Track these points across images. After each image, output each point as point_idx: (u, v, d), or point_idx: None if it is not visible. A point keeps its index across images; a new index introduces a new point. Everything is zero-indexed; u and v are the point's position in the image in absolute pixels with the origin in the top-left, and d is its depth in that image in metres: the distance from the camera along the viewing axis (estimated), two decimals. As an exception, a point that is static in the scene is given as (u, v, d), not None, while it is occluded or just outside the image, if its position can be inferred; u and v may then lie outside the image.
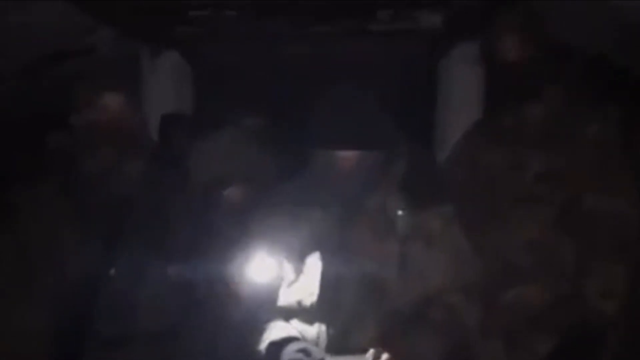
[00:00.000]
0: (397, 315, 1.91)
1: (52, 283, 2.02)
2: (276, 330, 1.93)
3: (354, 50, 3.19)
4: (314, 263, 1.95)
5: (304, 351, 1.83)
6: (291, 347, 1.85)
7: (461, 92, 3.13)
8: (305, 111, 1.98)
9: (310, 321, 1.94)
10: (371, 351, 1.82)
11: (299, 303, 1.93)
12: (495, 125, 2.19)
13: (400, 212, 1.97)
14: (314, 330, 1.92)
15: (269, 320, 1.97)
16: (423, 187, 2.12)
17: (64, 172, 2.13)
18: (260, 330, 1.95)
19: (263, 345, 1.91)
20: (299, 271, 1.97)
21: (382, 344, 1.86)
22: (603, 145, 2.09)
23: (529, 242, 2.13)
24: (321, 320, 1.91)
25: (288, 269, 1.98)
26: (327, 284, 1.92)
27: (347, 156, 1.92)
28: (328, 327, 1.89)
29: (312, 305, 1.91)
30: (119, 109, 2.16)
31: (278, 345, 1.87)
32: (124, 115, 2.15)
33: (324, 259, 1.94)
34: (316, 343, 1.92)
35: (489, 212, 2.18)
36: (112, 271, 2.06)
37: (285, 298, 1.97)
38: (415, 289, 1.95)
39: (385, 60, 3.21)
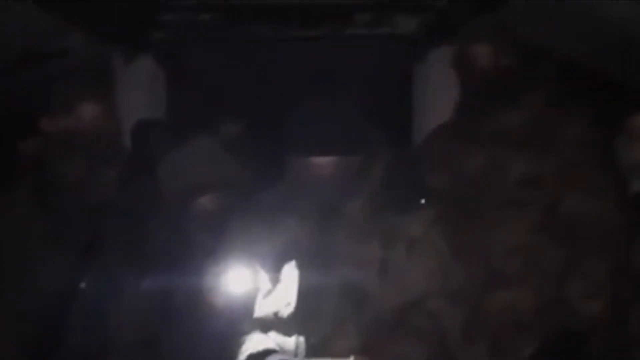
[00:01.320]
0: (379, 322, 1.88)
1: (22, 293, 1.94)
2: (254, 343, 1.88)
3: (332, 55, 3.15)
4: (291, 272, 1.90)
5: None
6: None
7: (438, 95, 3.12)
8: (282, 117, 1.94)
9: (288, 332, 1.89)
10: (352, 358, 1.79)
11: (276, 314, 1.88)
12: (474, 129, 2.16)
13: (379, 217, 1.96)
14: (292, 342, 1.88)
15: (246, 332, 1.92)
16: (403, 191, 2.09)
17: (36, 179, 2.06)
18: (237, 343, 1.91)
19: (241, 359, 1.87)
20: (275, 281, 1.92)
21: (364, 352, 1.83)
22: (583, 147, 2.07)
23: (512, 245, 2.08)
24: (300, 330, 1.86)
25: (264, 278, 1.93)
26: (305, 293, 1.87)
27: (324, 162, 1.88)
28: (307, 337, 1.85)
29: (289, 316, 1.87)
30: (94, 116, 2.08)
31: (257, 358, 1.83)
32: (99, 123, 2.07)
33: (301, 267, 1.89)
34: (295, 354, 1.88)
35: (471, 215, 2.13)
36: (84, 283, 1.99)
37: (262, 309, 1.92)
38: (397, 295, 1.91)
39: (363, 64, 3.18)
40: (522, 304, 2.03)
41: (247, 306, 1.95)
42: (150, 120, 3.02)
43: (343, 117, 1.93)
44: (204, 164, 2.14)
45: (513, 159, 2.09)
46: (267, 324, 1.91)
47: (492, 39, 2.22)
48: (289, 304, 1.89)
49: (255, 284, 1.96)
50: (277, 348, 1.86)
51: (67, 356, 1.94)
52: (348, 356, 1.79)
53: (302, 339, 1.86)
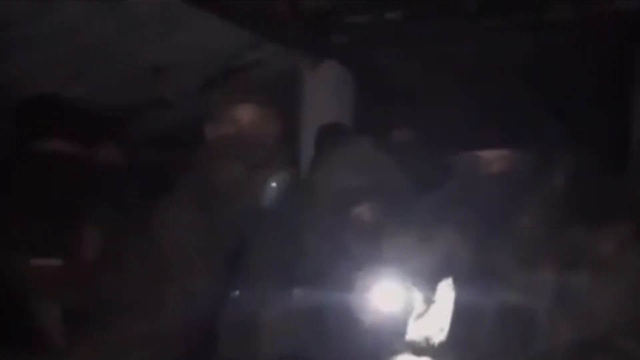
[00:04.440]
0: (548, 356, 1.57)
1: (182, 303, 1.97)
2: None
3: (526, 46, 2.80)
4: (447, 293, 1.67)
5: None
6: None
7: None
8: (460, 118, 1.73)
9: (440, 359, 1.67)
10: None
11: (427, 340, 1.66)
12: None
13: (558, 232, 1.63)
14: None
15: (396, 353, 1.73)
16: (593, 200, 1.73)
17: (196, 185, 2.09)
18: None
19: None
20: (429, 301, 1.71)
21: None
22: None
23: None
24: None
25: (418, 298, 1.73)
26: (462, 317, 1.62)
27: (492, 158, 1.61)
28: (461, 369, 1.60)
29: (441, 344, 1.63)
30: (252, 122, 2.07)
31: None
32: (257, 129, 2.05)
33: (459, 287, 1.65)
34: None
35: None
36: (237, 291, 1.96)
37: (414, 332, 1.71)
38: (576, 328, 1.57)
39: (562, 52, 2.76)
40: None
41: (399, 327, 1.76)
42: (334, 125, 2.95)
43: (522, 109, 1.65)
44: (362, 168, 1.99)
45: None
46: (419, 350, 1.70)
47: None
48: (442, 329, 1.65)
49: (409, 303, 1.77)
50: None
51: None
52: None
53: (455, 369, 1.62)
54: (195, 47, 3.29)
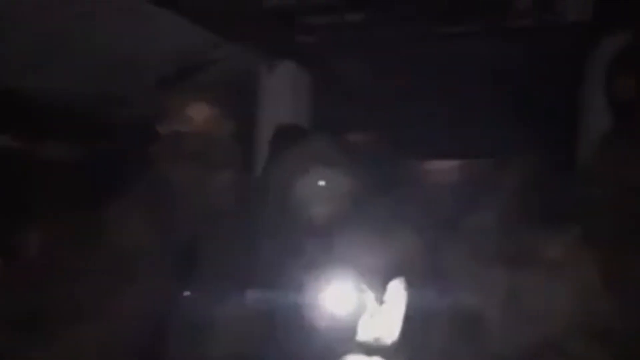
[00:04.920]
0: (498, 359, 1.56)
1: (127, 300, 1.92)
2: None
3: (484, 50, 2.82)
4: (398, 293, 1.66)
5: None
6: None
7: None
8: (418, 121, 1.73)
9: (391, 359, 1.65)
10: None
11: (378, 341, 1.64)
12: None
13: (510, 234, 1.63)
14: None
15: (346, 353, 1.71)
16: (543, 203, 1.74)
17: (148, 186, 2.04)
18: None
19: None
20: (381, 302, 1.69)
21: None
22: None
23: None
24: (403, 361, 1.61)
25: (370, 298, 1.71)
26: (413, 318, 1.61)
27: (446, 167, 1.62)
28: (411, 371, 1.59)
29: (392, 344, 1.62)
30: (206, 121, 2.03)
31: None
32: (211, 128, 2.01)
33: (411, 287, 1.64)
34: None
35: (635, 236, 1.73)
36: (188, 293, 1.91)
37: (364, 333, 1.69)
38: (527, 330, 1.57)
39: (517, 59, 2.80)
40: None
41: (350, 327, 1.74)
42: (290, 126, 2.92)
43: (477, 117, 1.66)
44: (317, 169, 1.96)
45: None
46: (369, 350, 1.68)
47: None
48: (393, 330, 1.64)
49: (361, 303, 1.74)
50: None
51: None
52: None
53: (405, 370, 1.61)
54: (153, 44, 3.24)
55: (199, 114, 2.05)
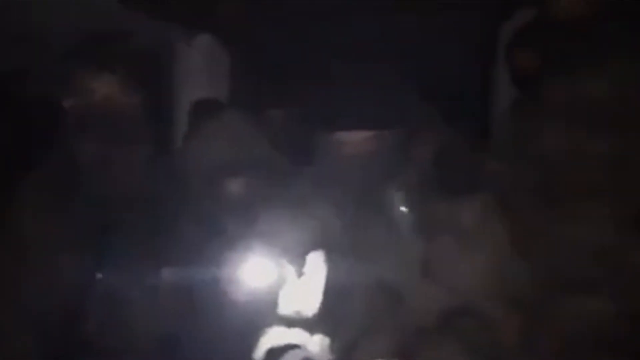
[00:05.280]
0: (418, 326, 1.60)
1: (39, 284, 1.85)
2: (275, 337, 1.67)
3: (400, 24, 2.85)
4: (318, 265, 1.67)
5: None
6: (293, 355, 1.61)
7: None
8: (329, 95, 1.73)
9: (312, 331, 1.67)
10: None
11: (299, 313, 1.66)
12: (547, 101, 1.80)
13: (424, 205, 1.67)
14: (317, 341, 1.65)
15: (267, 325, 1.71)
16: (455, 173, 1.79)
17: (58, 165, 1.96)
18: (258, 336, 1.70)
19: (260, 352, 1.66)
20: (301, 275, 1.70)
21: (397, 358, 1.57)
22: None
23: (592, 243, 1.73)
24: (324, 332, 1.63)
25: (290, 272, 1.72)
26: (332, 291, 1.63)
27: (361, 137, 1.64)
28: (332, 341, 1.61)
29: (312, 315, 1.64)
30: (111, 94, 1.96)
31: (277, 353, 1.63)
32: (117, 102, 1.95)
33: (330, 261, 1.66)
34: (320, 354, 1.65)
35: (541, 205, 1.80)
36: (101, 274, 1.86)
37: (285, 305, 1.71)
38: (442, 296, 1.62)
39: (434, 32, 2.84)
40: (603, 315, 1.67)
41: (271, 301, 1.75)
42: (207, 100, 2.88)
43: (386, 88, 1.68)
44: (235, 144, 1.95)
45: (596, 136, 1.72)
46: (290, 322, 1.70)
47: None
48: (312, 301, 1.66)
49: (281, 277, 1.75)
50: (299, 344, 1.64)
51: (86, 351, 1.82)
52: (377, 363, 1.54)
53: (326, 340, 1.63)
54: (60, 16, 3.10)
55: (105, 87, 1.98)
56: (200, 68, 3.18)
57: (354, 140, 1.68)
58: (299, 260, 1.69)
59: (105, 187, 1.90)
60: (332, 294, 1.62)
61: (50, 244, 1.88)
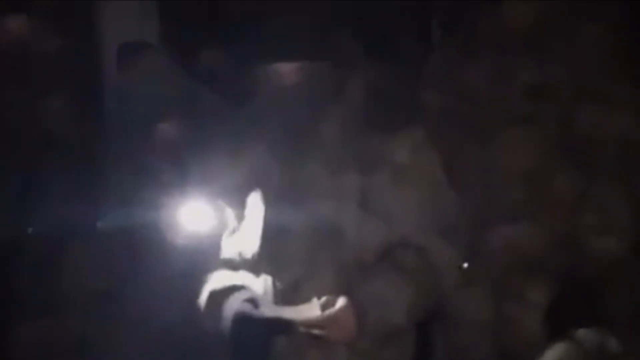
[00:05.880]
0: (358, 262, 1.63)
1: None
2: (218, 280, 1.66)
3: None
4: (256, 206, 1.67)
5: (252, 301, 1.56)
6: (236, 297, 1.58)
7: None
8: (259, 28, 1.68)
9: (256, 273, 1.68)
10: (324, 298, 1.54)
11: (240, 254, 1.66)
12: (472, 32, 1.82)
13: (358, 140, 1.68)
14: (261, 282, 1.65)
15: (211, 270, 1.70)
16: (387, 108, 1.80)
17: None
18: (202, 281, 1.68)
19: (204, 296, 1.64)
20: (240, 217, 1.70)
21: (340, 294, 1.59)
22: (605, 49, 1.72)
23: (518, 170, 1.80)
24: (266, 272, 1.64)
25: (229, 214, 1.71)
26: (271, 230, 1.63)
27: (291, 69, 1.60)
28: (274, 281, 1.63)
29: (254, 257, 1.64)
30: (23, 36, 1.85)
31: (221, 295, 1.60)
32: (31, 45, 1.84)
33: (267, 200, 1.65)
34: (264, 294, 1.66)
35: (470, 136, 1.85)
36: (30, 229, 1.80)
37: (227, 249, 1.69)
38: (380, 232, 1.64)
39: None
40: (530, 242, 1.75)
41: (212, 245, 1.74)
42: (135, 44, 2.78)
43: (321, 24, 1.64)
44: (165, 85, 1.90)
45: (519, 65, 1.76)
46: (233, 265, 1.69)
47: None
48: (253, 243, 1.66)
49: (221, 220, 1.75)
50: (244, 285, 1.62)
51: (19, 311, 1.78)
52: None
53: (269, 281, 1.65)
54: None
55: (15, 28, 1.86)
56: (128, 10, 3.06)
57: (286, 74, 1.64)
58: (238, 202, 1.69)
59: (26, 139, 1.83)
60: (273, 233, 1.63)
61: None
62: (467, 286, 1.73)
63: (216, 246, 1.71)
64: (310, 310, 1.53)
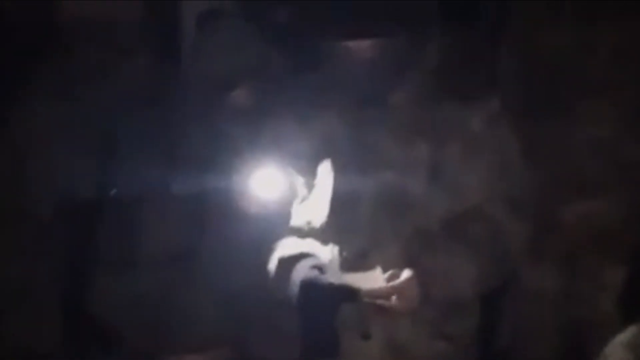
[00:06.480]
0: (426, 233, 1.61)
1: (46, 200, 1.87)
2: (287, 248, 1.68)
3: None
4: (326, 175, 1.67)
5: (319, 268, 1.58)
6: (304, 264, 1.60)
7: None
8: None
9: (323, 241, 1.69)
10: (389, 272, 1.53)
11: (309, 224, 1.67)
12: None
13: (430, 110, 1.65)
14: (328, 250, 1.66)
15: (279, 237, 1.72)
16: (462, 77, 1.75)
17: (56, 75, 1.94)
18: (271, 250, 1.71)
19: (273, 263, 1.67)
20: (310, 185, 1.71)
21: (405, 265, 1.57)
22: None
23: (598, 141, 1.72)
24: (333, 241, 1.65)
25: (300, 182, 1.72)
26: (341, 199, 1.64)
27: (365, 43, 1.58)
28: (341, 250, 1.63)
29: (322, 226, 1.65)
30: (113, 3, 1.91)
31: (289, 262, 1.62)
32: (117, 10, 1.90)
33: (337, 169, 1.65)
34: (331, 262, 1.67)
35: (549, 106, 1.77)
36: (114, 191, 1.87)
37: (296, 217, 1.70)
38: (449, 202, 1.62)
39: None
40: (608, 217, 1.68)
41: (282, 212, 1.77)
42: (214, 10, 2.81)
43: None
44: (239, 51, 1.91)
45: (605, 33, 1.66)
46: (302, 234, 1.71)
47: None
48: (322, 212, 1.67)
49: (291, 188, 1.77)
50: (311, 253, 1.63)
51: (96, 270, 1.88)
52: (385, 271, 1.56)
53: (336, 250, 1.66)
54: None
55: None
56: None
57: (359, 46, 1.63)
58: (308, 170, 1.70)
59: (109, 97, 1.89)
60: (341, 203, 1.64)
61: (57, 155, 1.89)
62: (538, 261, 1.69)
63: (286, 214, 1.74)
64: (376, 280, 1.54)
